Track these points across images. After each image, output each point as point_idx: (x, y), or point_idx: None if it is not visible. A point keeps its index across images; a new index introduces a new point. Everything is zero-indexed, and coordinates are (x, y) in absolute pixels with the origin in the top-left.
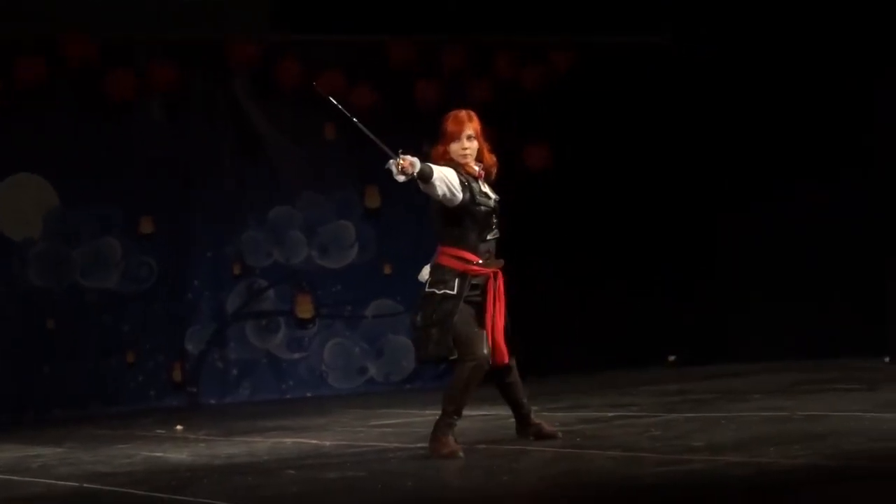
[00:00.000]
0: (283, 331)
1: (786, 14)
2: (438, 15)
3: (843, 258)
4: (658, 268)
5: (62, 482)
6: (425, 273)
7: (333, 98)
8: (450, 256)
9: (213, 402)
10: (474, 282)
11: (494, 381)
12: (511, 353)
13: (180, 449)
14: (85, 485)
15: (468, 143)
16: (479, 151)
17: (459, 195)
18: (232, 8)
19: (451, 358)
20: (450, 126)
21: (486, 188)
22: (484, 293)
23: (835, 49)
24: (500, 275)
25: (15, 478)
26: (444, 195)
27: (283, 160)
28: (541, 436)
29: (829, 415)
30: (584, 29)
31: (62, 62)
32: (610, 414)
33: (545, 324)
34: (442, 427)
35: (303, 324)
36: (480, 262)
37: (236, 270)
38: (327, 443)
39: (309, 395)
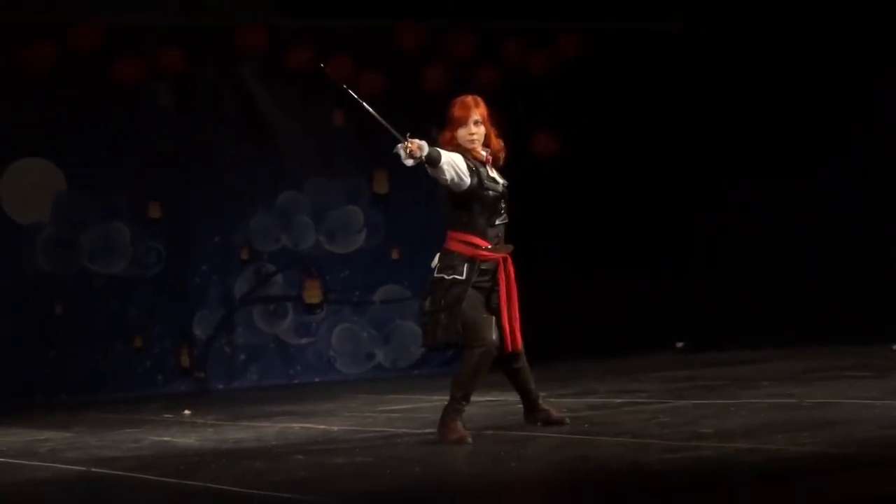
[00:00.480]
0: (290, 316)
1: (791, 5)
2: (446, 0)
3: (853, 245)
4: (666, 253)
5: (70, 466)
6: (437, 260)
7: (341, 82)
8: (459, 242)
9: (220, 386)
10: (483, 267)
11: (502, 367)
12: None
13: (188, 434)
14: (93, 469)
15: (475, 128)
16: (487, 136)
17: (467, 180)
18: None
19: (459, 343)
20: (456, 112)
21: (493, 173)
22: (493, 279)
23: (836, 44)
24: (509, 260)
25: (23, 462)
26: (452, 180)
27: (291, 146)
28: (549, 422)
29: (838, 402)
30: (592, 15)
31: (71, 48)
32: (618, 400)
33: (553, 310)
34: (450, 413)
35: (311, 309)
36: (489, 247)
37: (244, 255)
38: (335, 428)
39: (317, 380)
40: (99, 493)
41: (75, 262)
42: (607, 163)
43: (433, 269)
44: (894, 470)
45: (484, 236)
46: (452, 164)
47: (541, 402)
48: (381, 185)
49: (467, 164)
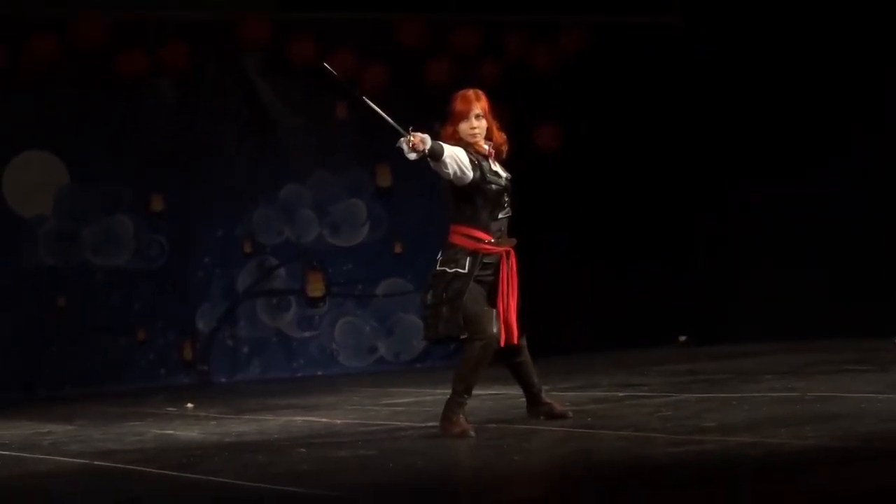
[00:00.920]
0: (293, 309)
1: (792, 4)
2: None
3: (853, 245)
4: (669, 247)
5: (73, 459)
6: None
7: (344, 77)
8: (461, 235)
9: (223, 380)
10: (486, 260)
11: (505, 360)
12: (521, 332)
13: (191, 427)
14: (95, 462)
15: (477, 122)
16: (489, 130)
17: (470, 174)
18: None
19: (461, 337)
20: (458, 106)
21: (496, 167)
22: (496, 272)
23: (836, 44)
24: (512, 254)
25: (26, 455)
26: (455, 173)
27: (295, 139)
28: (551, 415)
29: (840, 396)
30: (594, 8)
31: (74, 41)
32: (621, 394)
33: (555, 303)
34: (452, 406)
35: (313, 302)
36: (492, 240)
37: (247, 248)
38: (338, 421)
39: (319, 373)
40: (102, 486)
41: (78, 256)
42: (609, 157)
43: (436, 262)
44: None
45: (487, 230)
46: (455, 157)
47: (544, 395)
48: (384, 179)
49: (470, 158)
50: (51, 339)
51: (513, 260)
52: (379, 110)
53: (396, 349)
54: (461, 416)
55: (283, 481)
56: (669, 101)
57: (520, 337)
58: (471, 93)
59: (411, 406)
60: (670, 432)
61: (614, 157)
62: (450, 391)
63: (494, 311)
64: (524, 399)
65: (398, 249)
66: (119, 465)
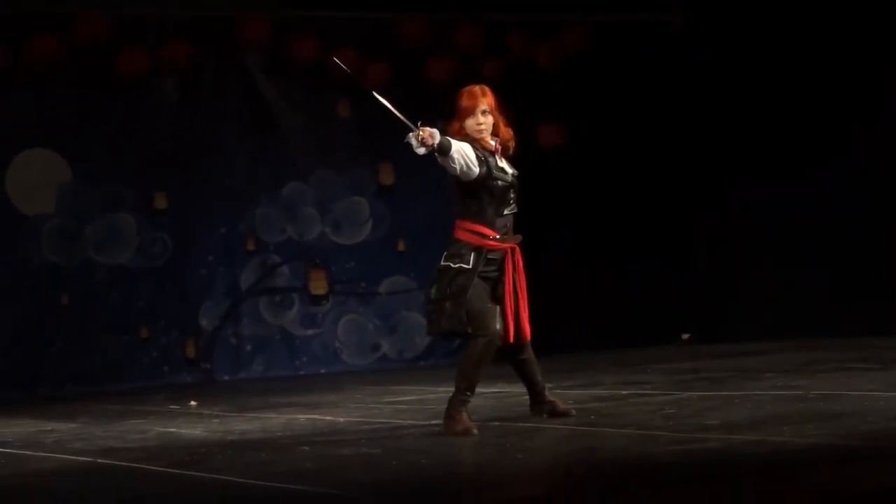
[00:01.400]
0: (296, 307)
1: (792, 4)
2: None
3: (853, 245)
4: (669, 247)
5: (76, 457)
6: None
7: (349, 74)
8: (466, 231)
9: (226, 378)
10: (491, 256)
11: (509, 357)
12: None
13: (194, 424)
14: (98, 460)
15: (483, 118)
16: (495, 126)
17: (476, 169)
18: None
19: (463, 332)
20: (464, 102)
21: (503, 163)
22: (501, 269)
23: (837, 44)
24: (518, 250)
25: (29, 453)
26: (462, 169)
27: (297, 137)
28: (555, 413)
29: (843, 394)
30: (596, 7)
31: (76, 39)
32: (624, 392)
33: (559, 302)
34: (455, 404)
35: (316, 300)
36: (497, 236)
37: (250, 246)
38: (341, 419)
39: (322, 371)
40: (105, 484)
41: (81, 254)
42: (610, 157)
43: (440, 258)
44: None
45: (492, 226)
46: (462, 153)
47: (547, 393)
48: (387, 177)
49: (476, 154)
50: (53, 337)
51: (518, 257)
52: (388, 105)
53: (399, 347)
54: (464, 413)
55: (286, 479)
56: (670, 100)
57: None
58: (477, 89)
59: (414, 404)
60: (673, 430)
61: (615, 157)
62: (453, 389)
63: (498, 308)
64: (527, 397)
65: (401, 247)
66: (122, 464)
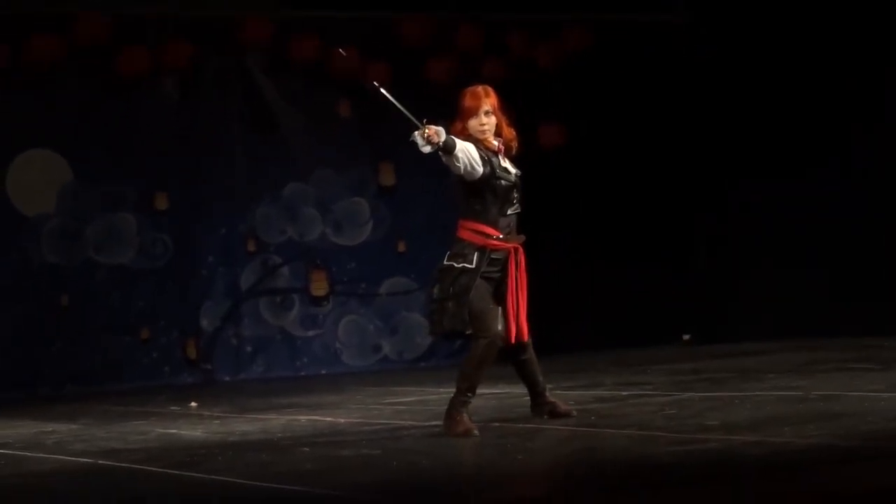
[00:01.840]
0: (297, 308)
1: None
2: None
3: (853, 245)
4: (669, 247)
5: (76, 458)
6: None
7: (346, 72)
8: (470, 231)
9: (227, 378)
10: (494, 256)
11: (510, 358)
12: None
13: (194, 425)
14: (99, 461)
15: (486, 118)
16: (498, 126)
17: (480, 169)
18: None
19: (465, 332)
20: (467, 102)
21: (506, 163)
22: (503, 269)
23: (837, 44)
24: (521, 251)
25: (29, 454)
26: (465, 168)
27: (297, 137)
28: (555, 414)
29: (844, 394)
30: (597, 7)
31: (76, 39)
32: (624, 393)
33: (559, 302)
34: (456, 405)
35: (317, 301)
36: (500, 236)
37: (251, 247)
38: (342, 420)
39: (323, 372)
40: (105, 485)
41: (81, 254)
42: (610, 157)
43: (443, 257)
44: None
45: (495, 226)
46: (466, 152)
47: (547, 394)
48: (387, 177)
49: (480, 153)
50: (54, 337)
51: (521, 257)
52: (395, 101)
53: (400, 348)
54: (465, 414)
55: (287, 480)
56: (671, 100)
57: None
58: (480, 89)
59: (415, 405)
60: (673, 431)
61: (615, 157)
62: (453, 390)
63: (500, 309)
64: (528, 398)
65: (401, 248)
66: (123, 465)
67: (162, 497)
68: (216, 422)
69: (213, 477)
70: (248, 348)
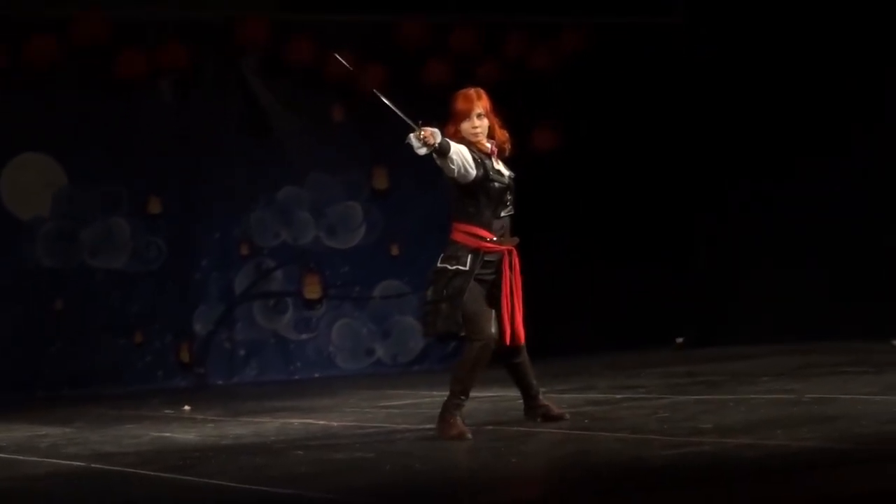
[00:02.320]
0: (290, 311)
1: (792, 4)
2: None
3: (853, 245)
4: (667, 249)
5: (70, 462)
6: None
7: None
8: (463, 233)
9: (220, 382)
10: (488, 258)
11: (503, 361)
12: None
13: (188, 429)
14: (93, 465)
15: (478, 121)
16: (491, 128)
17: (473, 171)
18: None
19: (459, 334)
20: (459, 105)
21: (499, 165)
22: (497, 271)
23: (837, 43)
24: (515, 253)
25: (23, 457)
26: (459, 171)
27: (292, 141)
28: (549, 417)
29: (837, 397)
30: (594, 9)
31: (73, 41)
32: (618, 396)
33: (553, 305)
34: (450, 408)
35: (310, 304)
36: (494, 238)
37: (244, 251)
38: (335, 423)
39: (317, 375)
40: (99, 489)
41: (76, 257)
42: (609, 157)
43: (437, 259)
44: (893, 465)
45: (489, 228)
46: (460, 154)
47: (541, 397)
48: (381, 181)
49: (473, 156)
50: (48, 341)
51: (515, 259)
52: (390, 104)
53: (394, 351)
54: (458, 418)
55: (280, 484)
56: (669, 101)
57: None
58: (472, 92)
59: (408, 408)
60: (667, 434)
61: (615, 157)
62: (447, 393)
63: (494, 311)
64: (521, 401)
65: (395, 251)
66: (116, 468)
67: (155, 500)
68: (210, 425)
69: (207, 480)
70: (242, 352)
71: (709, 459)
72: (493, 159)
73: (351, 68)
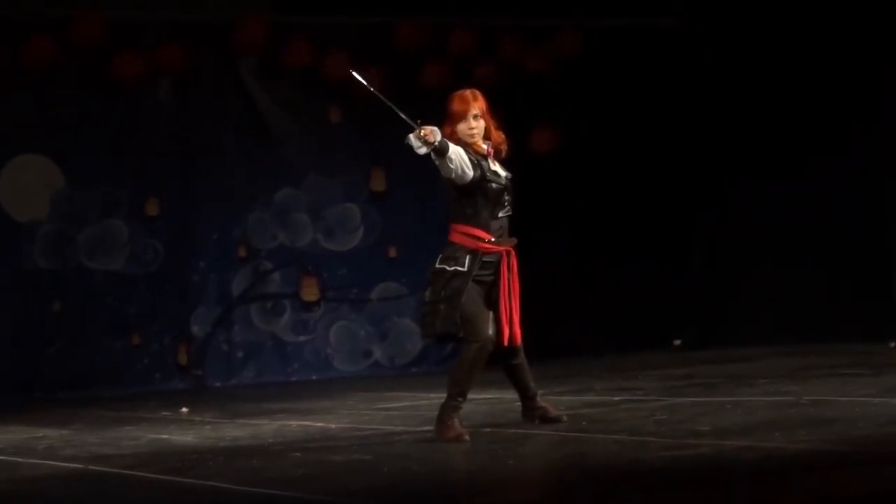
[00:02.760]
0: (288, 313)
1: (792, 4)
2: None
3: (853, 245)
4: (665, 251)
5: (67, 464)
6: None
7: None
8: (461, 234)
9: (218, 384)
10: (486, 259)
11: (501, 362)
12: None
13: (185, 431)
14: (90, 467)
15: (475, 122)
16: (487, 130)
17: (471, 172)
18: None
19: (457, 335)
20: (455, 106)
21: (495, 166)
22: (496, 272)
23: (836, 44)
24: (513, 254)
25: (20, 459)
26: (457, 172)
27: (289, 142)
28: (546, 419)
29: (835, 399)
30: (590, 11)
31: (71, 43)
32: (616, 398)
33: (551, 307)
34: (447, 410)
35: (308, 306)
36: (492, 239)
37: (242, 253)
38: (333, 425)
39: (314, 377)
40: (96, 491)
41: (73, 259)
42: (607, 160)
43: (435, 261)
44: (891, 467)
45: (487, 229)
46: (458, 154)
47: (538, 399)
48: (379, 183)
49: (469, 157)
50: (46, 343)
51: (514, 260)
52: (389, 103)
53: (391, 353)
54: (456, 419)
55: (278, 486)
56: (669, 101)
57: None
58: (468, 93)
59: (406, 410)
60: (665, 436)
61: (614, 158)
62: (444, 395)
63: (492, 313)
64: (519, 403)
65: (392, 254)
66: (114, 470)
67: (153, 503)
68: (207, 427)
69: (204, 482)
70: (240, 354)
71: (706, 461)
72: (490, 160)
73: (371, 88)
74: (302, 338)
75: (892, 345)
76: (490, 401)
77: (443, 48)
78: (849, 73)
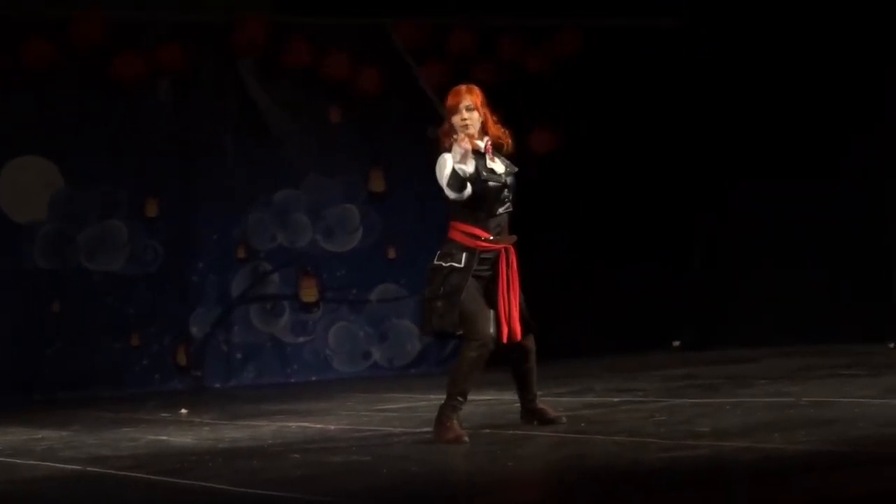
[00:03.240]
0: (287, 314)
1: (791, 4)
2: None
3: (852, 245)
4: (665, 252)
5: (66, 465)
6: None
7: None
8: (459, 232)
9: (217, 385)
10: (484, 256)
11: (511, 365)
12: (526, 334)
13: (185, 432)
14: (89, 468)
15: (467, 113)
16: (484, 124)
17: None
18: None
19: (455, 333)
20: (449, 100)
21: (493, 163)
22: (494, 268)
23: (836, 44)
24: (512, 250)
25: (19, 461)
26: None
27: (289, 143)
28: (545, 420)
29: (834, 400)
30: (590, 12)
31: (70, 43)
32: (615, 399)
33: (550, 308)
34: (447, 411)
35: (307, 307)
36: (490, 237)
37: (241, 253)
38: (332, 427)
39: (313, 378)
40: (95, 492)
41: (73, 260)
42: (607, 160)
43: (433, 258)
44: (890, 468)
45: (485, 227)
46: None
47: (538, 401)
48: (378, 184)
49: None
50: (45, 343)
51: (513, 257)
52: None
53: (390, 354)
54: (455, 421)
55: (277, 487)
56: (669, 101)
57: (525, 337)
58: (462, 87)
59: (405, 411)
60: (664, 437)
61: (614, 158)
62: (444, 396)
63: (492, 311)
64: (518, 404)
65: (392, 254)
66: (112, 472)
67: None
68: (206, 428)
69: (203, 484)
70: (239, 355)
71: (706, 462)
72: (488, 157)
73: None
74: (301, 339)
75: (892, 345)
76: (489, 402)
77: (443, 48)
78: (849, 73)
